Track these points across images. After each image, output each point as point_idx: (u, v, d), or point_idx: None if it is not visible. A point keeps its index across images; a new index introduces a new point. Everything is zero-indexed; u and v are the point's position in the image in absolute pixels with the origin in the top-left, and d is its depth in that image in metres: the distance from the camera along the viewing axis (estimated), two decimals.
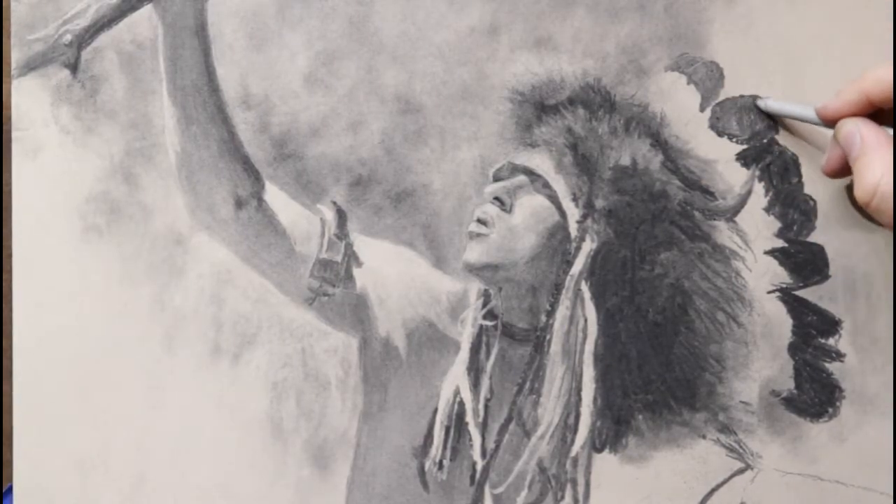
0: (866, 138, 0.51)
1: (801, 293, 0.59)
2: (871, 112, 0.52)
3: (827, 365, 0.59)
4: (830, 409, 0.59)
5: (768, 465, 0.59)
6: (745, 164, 0.60)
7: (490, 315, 0.62)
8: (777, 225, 0.60)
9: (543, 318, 0.61)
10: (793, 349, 0.59)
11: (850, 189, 0.58)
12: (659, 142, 0.60)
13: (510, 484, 0.61)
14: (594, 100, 0.61)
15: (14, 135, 0.64)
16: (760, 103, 0.59)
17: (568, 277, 0.60)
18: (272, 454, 0.63)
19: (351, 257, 0.63)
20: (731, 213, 0.60)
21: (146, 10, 0.63)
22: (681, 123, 0.60)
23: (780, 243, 0.60)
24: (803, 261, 0.59)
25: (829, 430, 0.59)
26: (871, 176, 0.50)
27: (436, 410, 0.62)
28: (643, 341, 0.60)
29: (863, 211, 0.53)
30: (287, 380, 0.63)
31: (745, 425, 0.59)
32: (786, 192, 0.59)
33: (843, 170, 0.55)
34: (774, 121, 0.59)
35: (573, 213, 0.60)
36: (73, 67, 0.63)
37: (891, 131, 0.52)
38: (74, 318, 0.64)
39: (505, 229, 0.61)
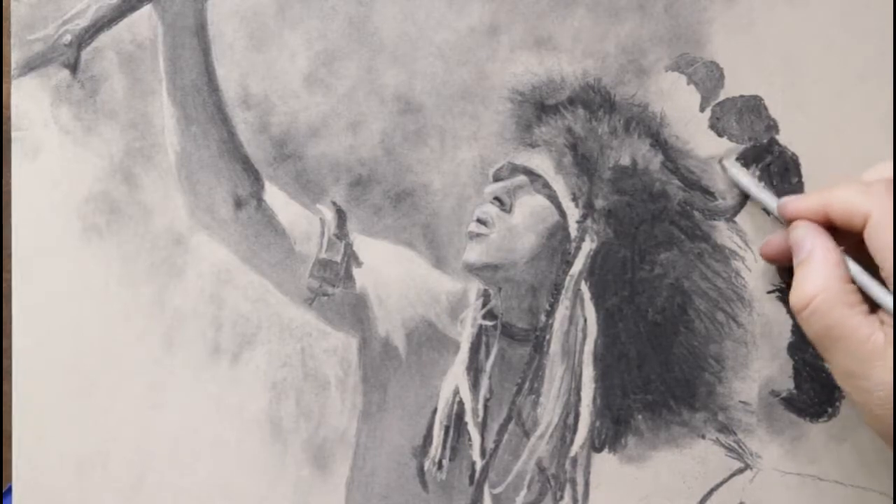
0: (817, 249, 0.50)
1: None
2: (827, 226, 0.52)
3: (827, 365, 0.59)
4: (830, 409, 0.59)
5: (768, 465, 0.59)
6: (745, 164, 0.59)
7: (490, 315, 0.62)
8: (777, 225, 0.59)
9: (543, 318, 0.61)
10: (792, 349, 0.59)
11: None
12: (659, 142, 0.60)
13: (509, 484, 0.61)
14: (594, 100, 0.60)
15: (14, 135, 0.64)
16: (726, 162, 0.59)
17: (568, 277, 0.60)
18: (271, 454, 0.63)
19: (350, 257, 0.63)
20: (731, 213, 0.60)
21: (146, 10, 0.63)
22: (681, 123, 0.60)
23: None
24: None
25: (828, 430, 0.59)
26: (811, 287, 0.49)
27: (435, 410, 0.62)
28: (643, 341, 0.60)
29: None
30: (286, 380, 0.63)
31: (744, 425, 0.59)
32: (786, 192, 0.59)
33: (778, 258, 0.56)
34: (774, 120, 0.59)
35: (573, 213, 0.60)
36: (73, 67, 0.63)
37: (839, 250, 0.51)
38: (74, 318, 0.64)
39: (505, 229, 0.61)
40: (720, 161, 0.59)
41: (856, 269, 0.50)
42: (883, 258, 0.48)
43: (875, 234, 0.48)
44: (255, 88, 0.63)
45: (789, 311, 0.59)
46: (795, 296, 0.50)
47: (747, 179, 0.58)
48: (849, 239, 0.51)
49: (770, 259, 0.57)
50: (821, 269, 0.49)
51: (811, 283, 0.49)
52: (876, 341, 0.46)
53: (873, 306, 0.49)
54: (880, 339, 0.46)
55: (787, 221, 0.54)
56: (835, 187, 0.51)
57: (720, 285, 0.60)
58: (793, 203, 0.53)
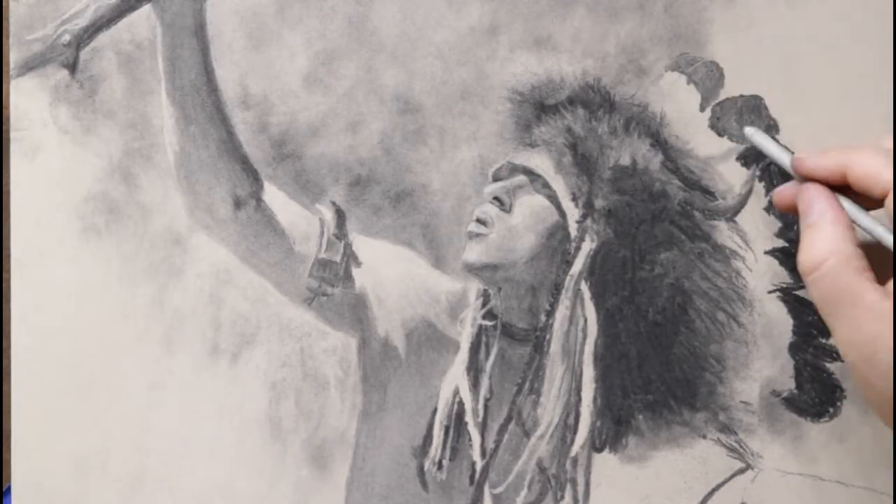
0: (827, 212, 0.49)
1: (801, 293, 0.59)
2: (842, 186, 0.51)
3: (828, 365, 0.59)
4: (831, 409, 0.59)
5: (769, 465, 0.59)
6: (745, 164, 0.59)
7: (489, 315, 0.62)
8: (777, 225, 0.59)
9: (543, 317, 0.61)
10: (793, 349, 0.59)
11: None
12: (659, 142, 0.60)
13: (510, 484, 0.61)
14: (594, 100, 0.60)
15: (13, 135, 0.64)
16: (748, 131, 0.56)
17: (567, 277, 0.60)
18: (271, 454, 0.63)
19: (350, 257, 0.63)
20: (732, 213, 0.60)
21: (145, 10, 0.63)
22: (681, 123, 0.60)
23: (780, 243, 0.60)
24: None
25: (829, 430, 0.59)
26: (821, 250, 0.47)
27: (435, 410, 0.62)
28: (643, 341, 0.60)
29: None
30: (286, 380, 0.63)
31: (745, 425, 0.59)
32: None
33: (790, 209, 0.53)
34: (774, 120, 0.59)
35: (573, 212, 0.60)
36: (72, 67, 0.63)
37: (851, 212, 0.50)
38: (73, 318, 0.64)
39: (504, 229, 0.61)
40: (744, 130, 0.57)
41: (870, 224, 0.49)
42: None
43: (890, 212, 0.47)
44: (255, 88, 0.63)
45: (790, 311, 0.59)
46: (805, 258, 0.48)
47: (771, 145, 0.55)
48: (860, 203, 0.50)
49: (783, 208, 0.53)
50: (831, 232, 0.48)
51: (821, 245, 0.48)
52: (883, 309, 0.45)
53: (881, 278, 0.48)
54: (887, 307, 0.45)
55: (800, 177, 0.52)
56: (856, 150, 0.49)
57: (721, 285, 0.60)
58: (811, 160, 0.51)
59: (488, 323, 0.62)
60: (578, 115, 0.60)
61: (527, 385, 0.61)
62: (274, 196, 0.63)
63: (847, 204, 0.49)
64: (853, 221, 0.48)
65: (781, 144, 0.55)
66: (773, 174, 0.59)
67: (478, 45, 0.61)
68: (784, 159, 0.53)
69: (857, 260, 0.47)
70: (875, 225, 0.48)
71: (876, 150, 0.49)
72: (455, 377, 0.62)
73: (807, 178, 0.50)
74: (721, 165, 0.60)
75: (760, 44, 0.59)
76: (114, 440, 0.64)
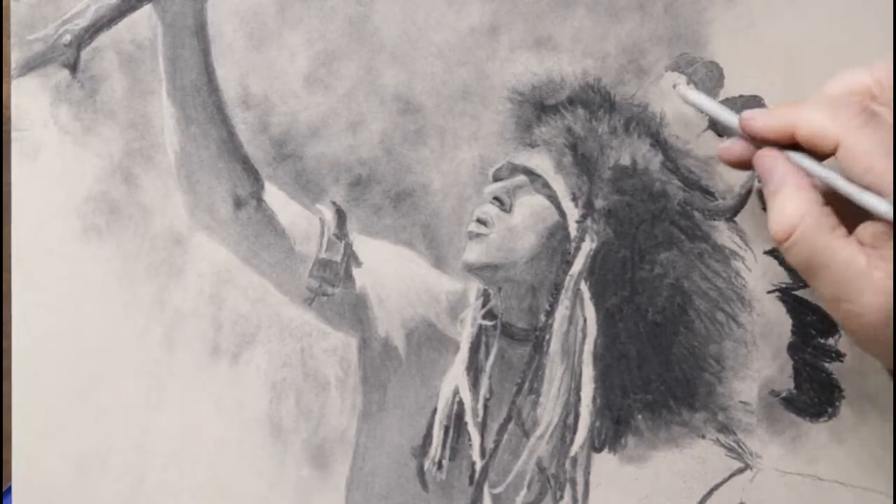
0: (788, 176, 0.49)
1: (800, 293, 0.59)
2: (792, 144, 0.50)
3: (826, 365, 0.59)
4: (830, 409, 0.59)
5: (768, 465, 0.59)
6: None
7: (489, 315, 0.62)
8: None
9: (543, 317, 0.61)
10: (792, 349, 0.59)
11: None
12: (659, 142, 0.60)
13: (509, 484, 0.61)
14: (594, 100, 0.60)
15: (13, 135, 0.64)
16: (680, 90, 0.55)
17: (567, 277, 0.60)
18: (271, 454, 0.63)
19: (350, 257, 0.63)
20: (731, 213, 0.60)
21: (146, 10, 0.63)
22: (681, 123, 0.60)
23: None
24: None
25: (828, 430, 0.59)
26: (791, 216, 0.47)
27: (435, 410, 0.62)
28: (643, 341, 0.60)
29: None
30: (286, 380, 0.63)
31: (744, 425, 0.59)
32: None
33: (737, 165, 0.52)
34: None
35: (573, 213, 0.60)
36: (73, 67, 0.63)
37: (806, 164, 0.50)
38: (73, 318, 0.64)
39: (504, 229, 0.61)
40: (674, 86, 0.57)
41: (838, 181, 0.48)
42: (861, 180, 0.46)
43: (849, 161, 0.46)
44: (255, 88, 0.63)
45: (789, 311, 0.59)
46: (776, 226, 0.47)
47: (705, 99, 0.55)
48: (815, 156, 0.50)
49: (730, 163, 0.53)
50: (796, 197, 0.48)
51: (790, 212, 0.47)
52: (858, 264, 0.45)
53: (847, 223, 0.48)
54: (861, 261, 0.45)
55: (749, 137, 0.51)
56: (801, 107, 0.49)
57: (720, 285, 0.60)
58: (759, 119, 0.50)
59: (488, 323, 0.62)
60: (578, 115, 0.60)
61: (526, 385, 0.61)
62: (274, 196, 0.63)
63: (804, 161, 0.48)
64: (812, 175, 0.48)
65: (720, 103, 0.55)
66: None
67: (478, 45, 0.61)
68: (729, 119, 0.52)
69: (826, 218, 0.46)
70: (835, 177, 0.47)
71: (819, 104, 0.48)
72: (455, 377, 0.62)
73: (756, 139, 0.50)
74: (721, 165, 0.60)
75: (760, 44, 0.59)
76: (114, 440, 0.64)
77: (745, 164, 0.52)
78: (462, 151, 0.62)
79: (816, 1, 0.59)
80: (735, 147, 0.52)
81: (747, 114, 0.51)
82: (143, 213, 0.63)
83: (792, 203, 0.47)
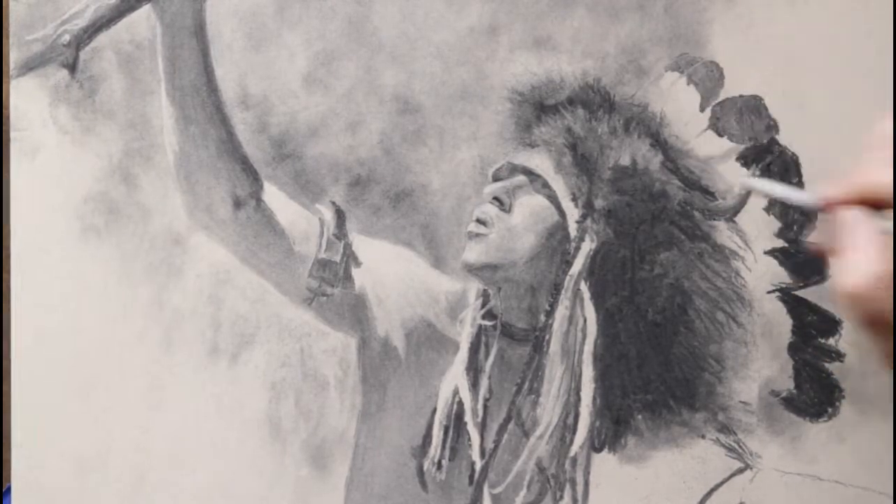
0: (860, 235, 0.49)
1: (800, 293, 0.59)
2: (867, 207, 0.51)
3: (827, 365, 0.59)
4: (830, 409, 0.59)
5: (768, 465, 0.59)
6: (745, 165, 0.59)
7: (489, 315, 0.62)
8: (777, 225, 0.59)
9: (542, 317, 0.61)
10: (793, 349, 0.59)
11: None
12: (659, 142, 0.60)
13: (509, 483, 0.61)
14: (594, 100, 0.60)
15: (12, 135, 0.64)
16: (748, 181, 0.57)
17: (567, 277, 0.60)
18: (271, 454, 0.63)
19: (350, 257, 0.63)
20: (731, 213, 0.60)
21: (145, 11, 0.63)
22: (681, 123, 0.60)
23: (780, 243, 0.60)
24: (803, 261, 0.59)
25: (828, 430, 0.59)
26: (861, 273, 0.48)
27: (435, 410, 0.62)
28: (643, 341, 0.60)
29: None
30: (286, 380, 0.63)
31: (744, 425, 0.59)
32: None
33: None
34: (774, 120, 0.59)
35: (573, 213, 0.60)
36: (72, 67, 0.63)
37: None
38: (73, 318, 0.64)
39: (504, 229, 0.60)
40: (740, 181, 0.58)
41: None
42: None
43: None
44: (254, 88, 0.63)
45: (789, 311, 0.59)
46: (846, 282, 0.49)
47: (779, 187, 0.56)
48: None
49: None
50: (867, 255, 0.49)
51: (861, 269, 0.49)
52: None
53: None
54: None
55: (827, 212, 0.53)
56: (864, 171, 0.50)
57: (720, 285, 0.60)
58: (831, 196, 0.52)
59: (488, 323, 0.62)
60: (578, 115, 0.60)
61: (526, 385, 0.61)
62: (274, 196, 0.63)
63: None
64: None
65: (796, 189, 0.56)
66: (773, 174, 0.59)
67: (478, 45, 0.61)
68: (806, 198, 0.53)
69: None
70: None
71: (878, 162, 0.49)
72: (454, 377, 0.62)
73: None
74: (721, 165, 0.60)
75: (760, 44, 0.59)
76: (114, 440, 0.64)
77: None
78: (461, 151, 0.62)
79: (816, 1, 0.59)
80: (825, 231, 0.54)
81: (820, 195, 0.51)
82: (143, 214, 0.63)
83: (861, 262, 0.48)
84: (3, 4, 0.65)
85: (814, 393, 0.59)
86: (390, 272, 0.63)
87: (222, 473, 0.63)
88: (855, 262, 0.49)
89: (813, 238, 0.57)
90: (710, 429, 0.60)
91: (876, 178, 0.49)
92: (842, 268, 0.49)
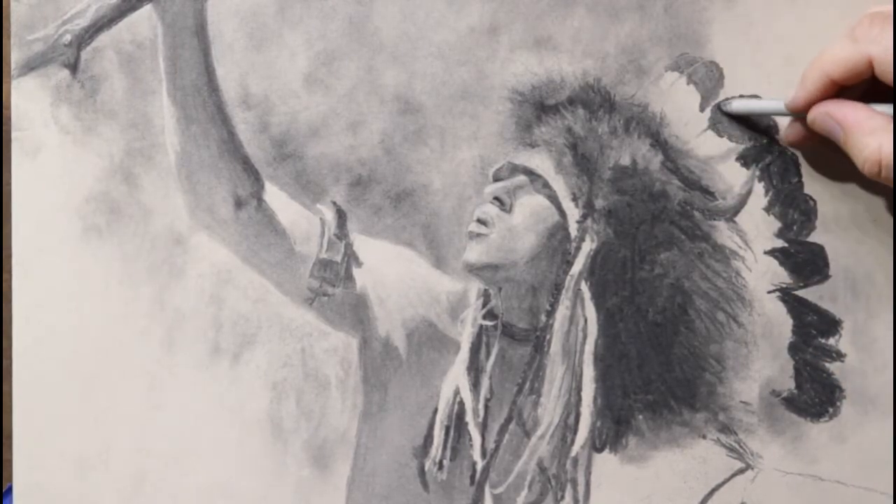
0: (847, 117, 0.51)
1: (801, 293, 0.59)
2: (837, 91, 0.53)
3: (827, 365, 0.59)
4: (831, 409, 0.59)
5: (769, 465, 0.59)
6: (745, 164, 0.59)
7: (490, 315, 0.62)
8: (777, 225, 0.59)
9: (543, 318, 0.61)
10: (793, 349, 0.59)
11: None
12: (659, 142, 0.60)
13: (510, 484, 0.61)
14: (594, 100, 0.60)
15: (13, 135, 0.64)
16: (724, 106, 0.59)
17: (568, 277, 0.60)
18: (272, 454, 0.63)
19: (351, 257, 0.63)
20: (731, 213, 0.60)
21: (146, 10, 0.63)
22: (681, 123, 0.60)
23: (780, 243, 0.60)
24: (803, 261, 0.59)
25: (829, 430, 0.59)
26: (869, 152, 0.50)
27: (436, 410, 0.62)
28: (643, 341, 0.60)
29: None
30: (287, 380, 0.63)
31: (745, 425, 0.59)
32: (786, 192, 0.59)
33: (805, 140, 0.57)
34: (774, 120, 0.59)
35: (573, 213, 0.60)
36: (73, 67, 0.63)
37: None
38: (74, 318, 0.64)
39: (505, 229, 0.61)
40: (719, 105, 0.59)
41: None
42: None
43: (886, 70, 0.49)
44: (255, 88, 0.63)
45: (790, 311, 0.59)
46: (865, 166, 0.50)
47: (757, 104, 0.58)
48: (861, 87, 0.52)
49: (796, 144, 0.58)
50: (862, 134, 0.50)
51: (867, 149, 0.50)
52: None
53: None
54: None
55: (803, 114, 0.55)
56: (824, 54, 0.52)
57: (720, 285, 0.60)
58: (799, 95, 0.54)
59: (489, 323, 0.62)
60: (578, 115, 0.60)
61: (527, 385, 0.61)
62: (275, 196, 0.63)
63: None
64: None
65: (767, 100, 0.58)
66: (773, 174, 0.59)
67: (478, 45, 0.61)
68: (779, 108, 0.56)
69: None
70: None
71: (837, 40, 0.51)
72: (456, 377, 0.62)
73: (807, 110, 0.54)
74: (721, 165, 0.60)
75: (760, 44, 0.59)
76: (115, 440, 0.64)
77: (811, 138, 0.56)
78: (462, 151, 0.62)
79: (816, 1, 0.59)
80: (793, 129, 0.57)
81: (790, 98, 0.55)
82: (144, 213, 0.64)
83: (864, 142, 0.50)
84: (4, 4, 0.65)
85: (815, 393, 0.59)
86: (391, 272, 0.63)
87: (223, 473, 0.63)
88: (857, 147, 0.51)
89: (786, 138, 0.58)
90: (710, 429, 0.60)
91: (835, 56, 0.50)
92: (855, 158, 0.50)
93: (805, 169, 0.59)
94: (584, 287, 0.60)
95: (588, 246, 0.60)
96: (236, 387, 0.63)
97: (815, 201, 0.59)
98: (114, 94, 0.64)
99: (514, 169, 0.61)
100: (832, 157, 0.57)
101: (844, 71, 0.51)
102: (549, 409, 0.60)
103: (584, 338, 0.60)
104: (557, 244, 0.61)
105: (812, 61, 0.53)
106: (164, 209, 0.63)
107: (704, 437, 0.60)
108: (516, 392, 0.61)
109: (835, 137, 0.53)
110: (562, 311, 0.60)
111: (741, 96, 0.59)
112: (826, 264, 0.59)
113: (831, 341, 0.59)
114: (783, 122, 0.59)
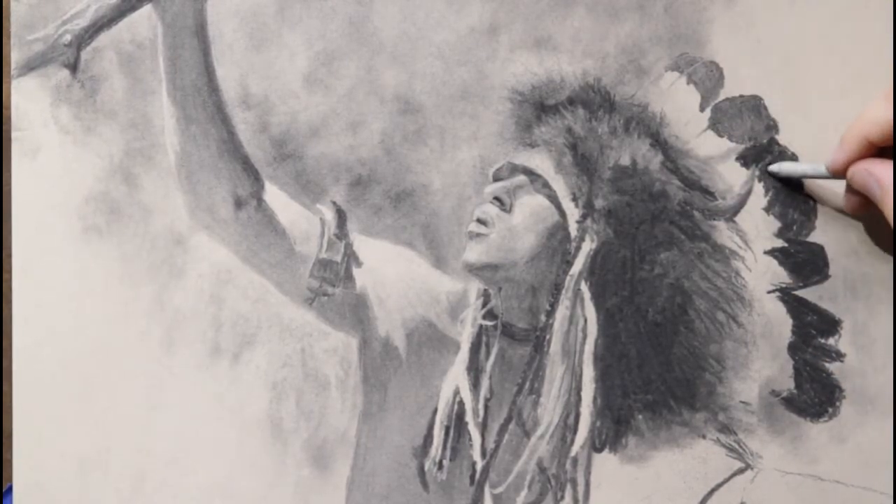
0: (882, 179, 0.52)
1: (801, 293, 0.59)
2: (875, 152, 0.53)
3: (827, 365, 0.59)
4: (830, 409, 0.59)
5: (768, 465, 0.59)
6: (745, 164, 0.60)
7: (490, 315, 0.62)
8: (777, 225, 0.59)
9: (543, 317, 0.61)
10: (793, 349, 0.59)
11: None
12: (659, 142, 0.60)
13: (510, 484, 0.61)
14: (594, 100, 0.60)
15: (13, 135, 0.64)
16: (773, 168, 0.59)
17: (568, 277, 0.60)
18: (272, 454, 0.63)
19: (350, 257, 0.63)
20: (731, 213, 0.60)
21: (146, 10, 0.63)
22: (681, 123, 0.60)
23: (780, 243, 0.60)
24: (803, 261, 0.59)
25: (829, 430, 0.59)
26: None
27: (435, 410, 0.62)
28: (643, 341, 0.60)
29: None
30: (287, 380, 0.63)
31: (745, 425, 0.59)
32: (786, 192, 0.59)
33: (862, 208, 0.57)
34: (774, 120, 0.59)
35: (573, 213, 0.60)
36: (73, 67, 0.63)
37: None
38: (74, 318, 0.64)
39: (505, 229, 0.61)
40: (767, 169, 0.59)
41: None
42: None
43: None
44: (255, 88, 0.63)
45: (790, 311, 0.59)
46: None
47: (801, 166, 0.59)
48: None
49: (857, 212, 0.58)
50: None
51: None
52: None
53: None
54: None
55: (843, 175, 0.55)
56: (862, 115, 0.53)
57: (720, 285, 0.60)
58: (838, 156, 0.55)
59: (489, 323, 0.62)
60: (578, 115, 0.60)
61: (527, 385, 0.61)
62: (275, 196, 0.63)
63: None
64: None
65: (807, 164, 0.59)
66: (773, 174, 0.59)
67: (478, 45, 0.61)
68: (821, 171, 0.57)
69: None
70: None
71: (873, 102, 0.51)
72: (455, 377, 0.62)
73: (847, 172, 0.55)
74: (721, 165, 0.60)
75: (760, 44, 0.59)
76: (115, 440, 0.64)
77: (869, 206, 0.56)
78: (462, 151, 0.62)
79: (816, 1, 0.59)
80: (849, 200, 0.57)
81: (829, 160, 0.56)
82: (144, 213, 0.64)
83: None
84: (4, 4, 0.65)
85: (814, 393, 0.59)
86: (391, 272, 0.63)
87: (223, 473, 0.63)
88: (891, 204, 0.51)
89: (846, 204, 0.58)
90: (710, 429, 0.60)
91: (871, 117, 0.51)
92: (890, 216, 0.51)
93: None
94: (584, 287, 0.60)
95: (588, 246, 0.60)
96: (236, 387, 0.63)
97: (815, 201, 0.59)
98: (114, 94, 0.64)
99: (514, 169, 0.61)
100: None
101: (881, 132, 0.52)
102: (549, 409, 0.60)
103: (584, 338, 0.60)
104: (557, 244, 0.61)
105: (850, 124, 0.54)
106: (164, 209, 0.63)
107: (704, 436, 0.60)
108: (516, 392, 0.61)
109: (872, 194, 0.53)
110: (561, 311, 0.60)
111: (740, 96, 0.59)
112: (826, 264, 0.59)
113: (831, 341, 0.59)
114: (784, 123, 0.59)
